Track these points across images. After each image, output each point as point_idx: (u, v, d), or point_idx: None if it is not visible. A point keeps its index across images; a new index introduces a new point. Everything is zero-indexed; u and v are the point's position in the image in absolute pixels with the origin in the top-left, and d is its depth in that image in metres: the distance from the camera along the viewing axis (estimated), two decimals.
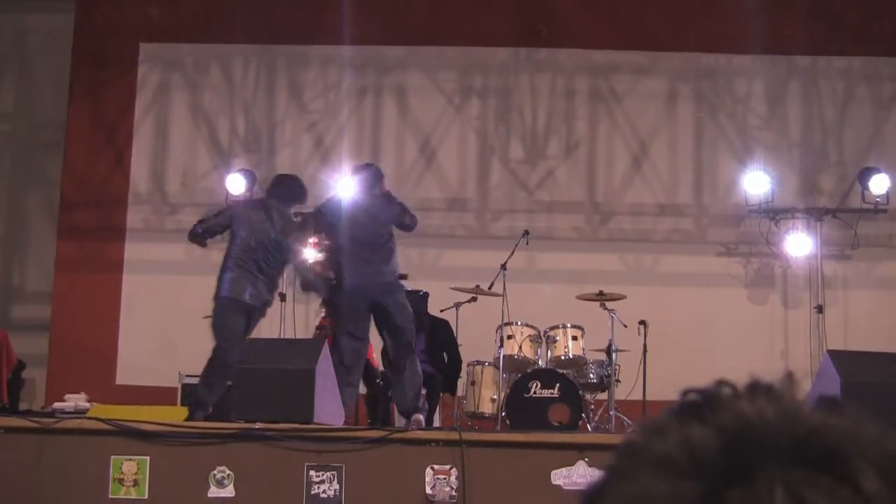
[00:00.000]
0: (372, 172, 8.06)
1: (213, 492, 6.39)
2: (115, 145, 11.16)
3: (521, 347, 8.55)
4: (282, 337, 9.50)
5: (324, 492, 6.35)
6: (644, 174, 10.97)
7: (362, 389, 8.39)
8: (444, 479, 6.37)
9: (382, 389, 8.46)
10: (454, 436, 6.56)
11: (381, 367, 8.54)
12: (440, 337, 8.91)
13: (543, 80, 11.13)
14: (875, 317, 10.48)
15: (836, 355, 7.09)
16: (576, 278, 9.95)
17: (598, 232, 10.97)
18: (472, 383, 8.60)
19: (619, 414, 8.50)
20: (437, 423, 8.52)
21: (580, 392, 8.23)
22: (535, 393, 8.10)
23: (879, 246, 10.80)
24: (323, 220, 7.96)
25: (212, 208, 10.89)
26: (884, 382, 6.46)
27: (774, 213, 10.68)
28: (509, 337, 8.53)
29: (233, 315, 7.61)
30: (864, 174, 10.55)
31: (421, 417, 7.59)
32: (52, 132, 11.33)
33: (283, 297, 10.09)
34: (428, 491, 6.36)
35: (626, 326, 8.79)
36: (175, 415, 7.18)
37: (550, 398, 8.07)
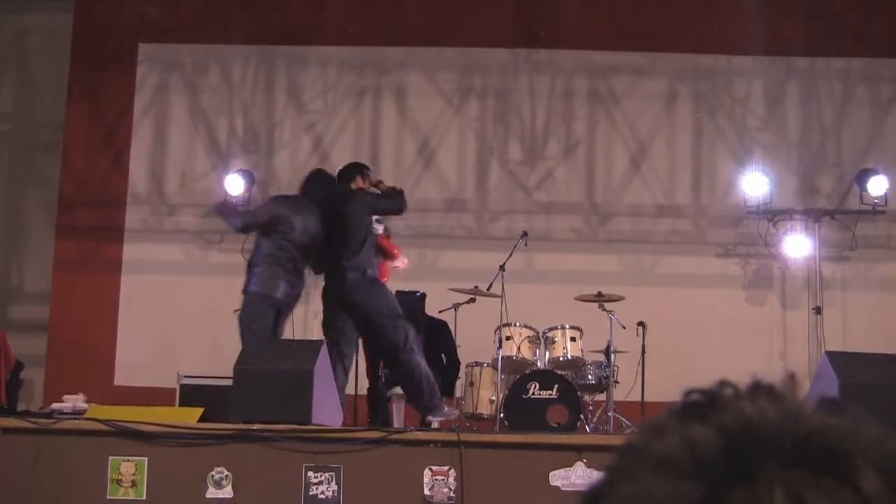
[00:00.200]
0: (346, 169, 8.17)
1: (212, 492, 6.39)
2: (113, 145, 11.16)
3: (519, 348, 8.55)
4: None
5: (322, 493, 6.35)
6: (643, 175, 10.97)
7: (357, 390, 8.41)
8: (443, 479, 6.37)
9: (384, 390, 8.45)
10: (452, 437, 6.56)
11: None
12: (438, 338, 8.91)
13: (542, 81, 11.13)
14: (873, 318, 10.49)
15: (834, 356, 7.09)
16: (574, 279, 9.94)
17: (597, 233, 10.97)
18: (471, 384, 8.60)
19: (617, 415, 8.50)
20: (435, 424, 8.51)
21: (579, 393, 8.23)
22: (533, 394, 8.10)
23: (878, 247, 10.81)
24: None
25: (211, 209, 10.94)
26: (882, 383, 6.45)
27: (773, 215, 10.68)
28: (508, 338, 8.52)
29: (263, 310, 7.59)
30: (863, 175, 10.57)
31: (434, 417, 7.61)
32: (51, 132, 11.33)
33: None
34: (426, 492, 6.36)
35: (624, 327, 8.79)
36: (174, 415, 7.17)
37: (549, 399, 8.07)
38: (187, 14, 11.23)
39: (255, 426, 6.48)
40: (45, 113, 11.44)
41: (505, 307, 8.60)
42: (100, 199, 10.99)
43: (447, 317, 9.01)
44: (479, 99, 11.19)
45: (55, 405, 7.91)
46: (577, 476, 6.30)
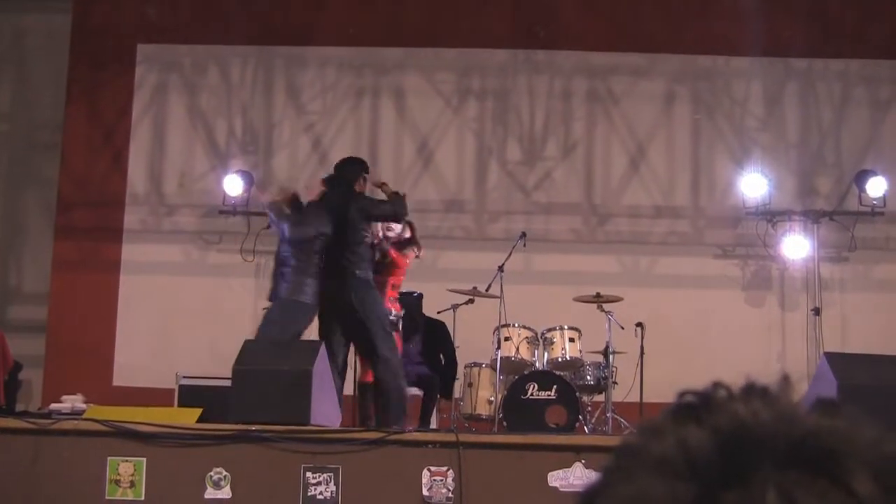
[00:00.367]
0: (350, 166, 8.14)
1: (210, 493, 6.39)
2: (112, 146, 11.16)
3: (518, 349, 8.55)
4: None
5: (320, 493, 6.35)
6: (641, 176, 10.98)
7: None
8: (441, 480, 6.38)
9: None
10: (451, 437, 6.56)
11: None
12: (437, 338, 8.91)
13: (541, 82, 11.13)
14: (872, 319, 10.49)
15: (832, 357, 7.09)
16: (573, 280, 9.94)
17: (596, 233, 10.97)
18: (469, 385, 8.60)
19: (616, 416, 8.50)
20: (434, 424, 8.52)
21: (577, 394, 8.23)
22: (531, 395, 8.11)
23: (876, 248, 10.81)
24: None
25: (210, 209, 10.95)
26: (880, 385, 6.46)
27: (771, 216, 10.69)
28: (506, 339, 8.52)
29: (298, 316, 7.59)
30: (861, 176, 10.57)
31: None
32: (50, 132, 11.33)
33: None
34: (424, 492, 6.36)
35: (623, 328, 8.79)
36: (172, 416, 7.17)
37: (547, 400, 8.07)
38: (186, 14, 11.23)
39: (254, 427, 6.48)
40: (44, 113, 11.44)
41: (503, 308, 8.60)
42: (98, 199, 10.99)
43: (446, 317, 9.01)
44: (478, 99, 11.19)
45: (54, 406, 7.91)
46: (576, 477, 6.31)
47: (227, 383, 7.04)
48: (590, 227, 11.00)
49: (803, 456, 0.65)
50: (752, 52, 10.84)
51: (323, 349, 6.99)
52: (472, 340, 8.87)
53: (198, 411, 7.03)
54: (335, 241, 7.67)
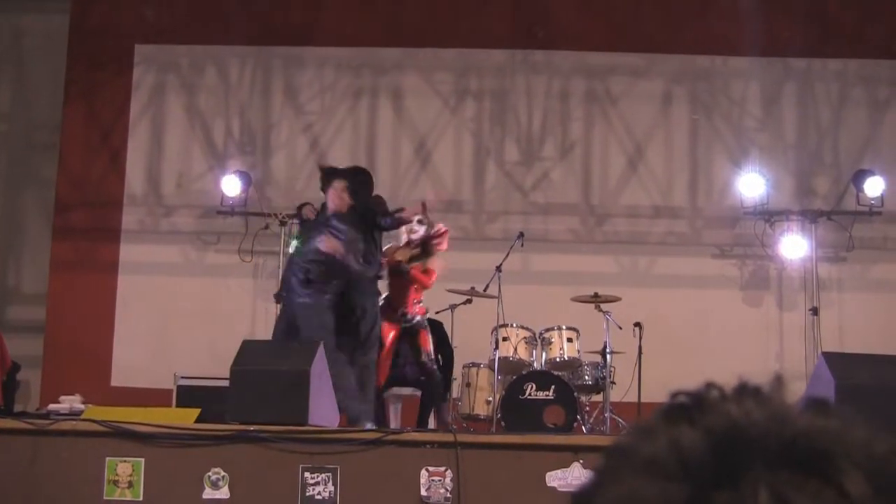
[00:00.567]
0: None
1: (208, 493, 6.39)
2: (110, 146, 11.16)
3: (516, 349, 8.55)
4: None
5: (318, 493, 6.35)
6: (639, 176, 10.98)
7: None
8: (439, 480, 6.38)
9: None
10: (449, 437, 6.56)
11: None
12: (435, 338, 8.90)
13: (539, 82, 11.13)
14: (870, 319, 10.49)
15: (830, 357, 7.09)
16: (571, 280, 9.94)
17: (594, 234, 10.98)
18: (467, 385, 8.60)
19: (614, 416, 8.50)
20: (431, 424, 8.52)
21: (575, 394, 8.23)
22: (530, 395, 8.11)
23: (874, 248, 10.82)
24: None
25: (208, 210, 10.94)
26: (879, 385, 6.46)
27: (769, 216, 10.69)
28: (504, 339, 8.52)
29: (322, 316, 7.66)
30: (859, 176, 10.58)
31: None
32: (48, 133, 11.32)
33: (277, 299, 10.09)
34: (423, 493, 6.36)
35: (621, 328, 8.78)
36: (170, 416, 7.17)
37: (545, 400, 8.07)
38: (184, 15, 11.22)
39: (252, 427, 6.48)
40: (42, 114, 11.44)
41: (501, 308, 8.59)
42: (96, 199, 10.99)
43: (444, 318, 9.00)
44: (476, 100, 11.19)
45: (52, 406, 7.91)
46: (574, 477, 6.31)
47: (226, 384, 7.04)
48: (588, 228, 11.00)
49: (795, 456, 0.65)
50: (751, 52, 10.84)
51: (321, 349, 6.99)
52: (470, 341, 8.86)
53: (196, 411, 7.03)
54: None
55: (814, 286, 10.63)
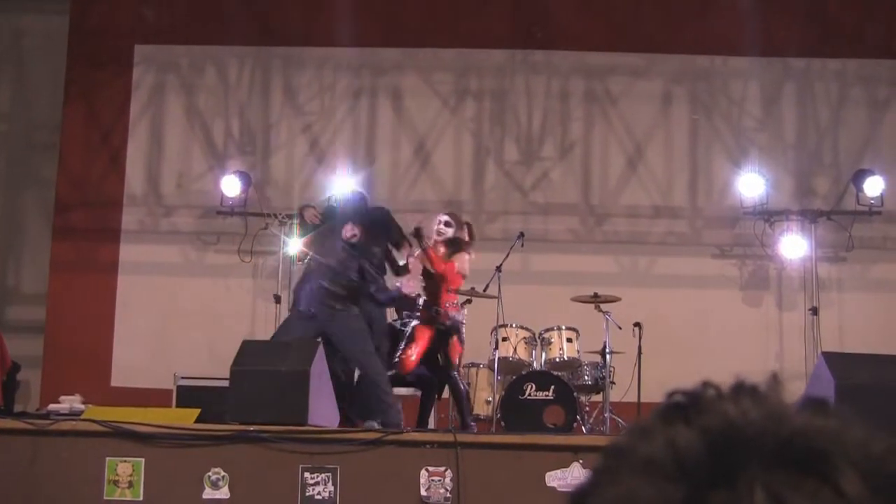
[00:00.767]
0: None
1: (208, 493, 6.39)
2: (110, 147, 11.16)
3: (515, 349, 8.55)
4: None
5: (318, 493, 6.35)
6: (639, 176, 10.98)
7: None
8: (439, 480, 6.38)
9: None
10: (449, 437, 6.57)
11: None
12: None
13: (539, 82, 11.13)
14: (869, 319, 10.50)
15: (830, 357, 7.09)
16: (571, 280, 9.94)
17: (594, 234, 10.97)
18: (467, 385, 8.60)
19: (613, 416, 8.50)
20: (431, 424, 8.52)
21: (575, 394, 8.23)
22: (529, 395, 8.11)
23: (874, 248, 10.82)
24: None
25: (208, 210, 10.95)
26: (878, 384, 6.46)
27: (769, 215, 10.68)
28: (504, 339, 8.52)
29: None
30: (859, 176, 10.58)
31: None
32: (48, 133, 11.33)
33: (277, 300, 10.11)
34: (423, 493, 6.36)
35: (620, 328, 8.78)
36: (170, 416, 7.17)
37: (545, 400, 8.07)
38: (183, 15, 11.22)
39: (252, 427, 6.48)
40: (42, 114, 11.44)
41: (501, 308, 8.59)
42: (96, 199, 10.99)
43: None
44: (476, 100, 11.19)
45: (52, 406, 7.91)
46: (574, 477, 6.31)
47: (225, 384, 7.04)
48: (587, 228, 11.00)
49: (792, 455, 0.65)
50: (750, 52, 10.84)
51: (321, 349, 6.99)
52: (470, 341, 8.86)
53: (196, 412, 7.03)
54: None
55: (813, 286, 10.63)
